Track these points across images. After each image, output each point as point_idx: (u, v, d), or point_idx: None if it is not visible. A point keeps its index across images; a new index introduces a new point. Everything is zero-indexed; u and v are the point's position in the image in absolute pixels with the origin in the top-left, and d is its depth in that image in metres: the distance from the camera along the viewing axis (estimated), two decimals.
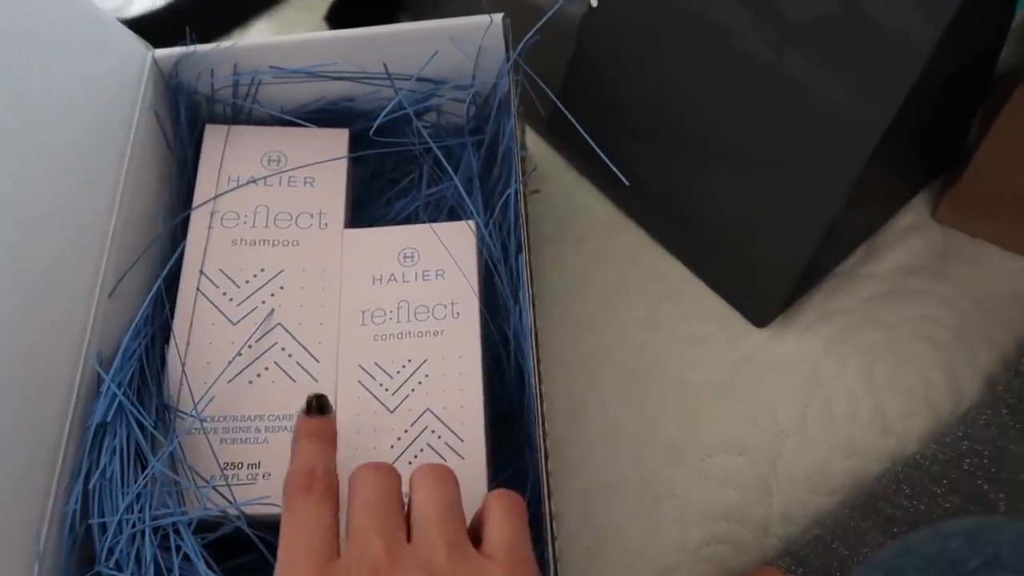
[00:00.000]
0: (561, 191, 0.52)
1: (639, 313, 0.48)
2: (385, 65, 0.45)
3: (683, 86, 0.41)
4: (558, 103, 0.40)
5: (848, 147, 0.35)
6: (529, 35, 0.41)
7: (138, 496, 0.32)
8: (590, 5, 0.43)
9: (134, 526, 0.32)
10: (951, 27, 0.30)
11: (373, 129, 0.40)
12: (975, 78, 0.44)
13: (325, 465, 0.30)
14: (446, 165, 0.43)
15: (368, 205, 0.49)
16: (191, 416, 0.36)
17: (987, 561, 0.25)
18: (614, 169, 0.38)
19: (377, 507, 0.28)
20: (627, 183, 0.38)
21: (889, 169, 0.42)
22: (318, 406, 0.32)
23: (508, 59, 0.43)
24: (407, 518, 0.29)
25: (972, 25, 0.36)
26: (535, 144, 0.54)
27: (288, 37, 0.45)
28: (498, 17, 0.42)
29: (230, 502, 0.34)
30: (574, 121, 0.39)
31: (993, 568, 0.25)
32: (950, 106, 0.45)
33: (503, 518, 0.29)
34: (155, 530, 0.32)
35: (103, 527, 0.32)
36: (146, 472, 0.33)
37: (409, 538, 0.28)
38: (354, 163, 0.48)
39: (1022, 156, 0.42)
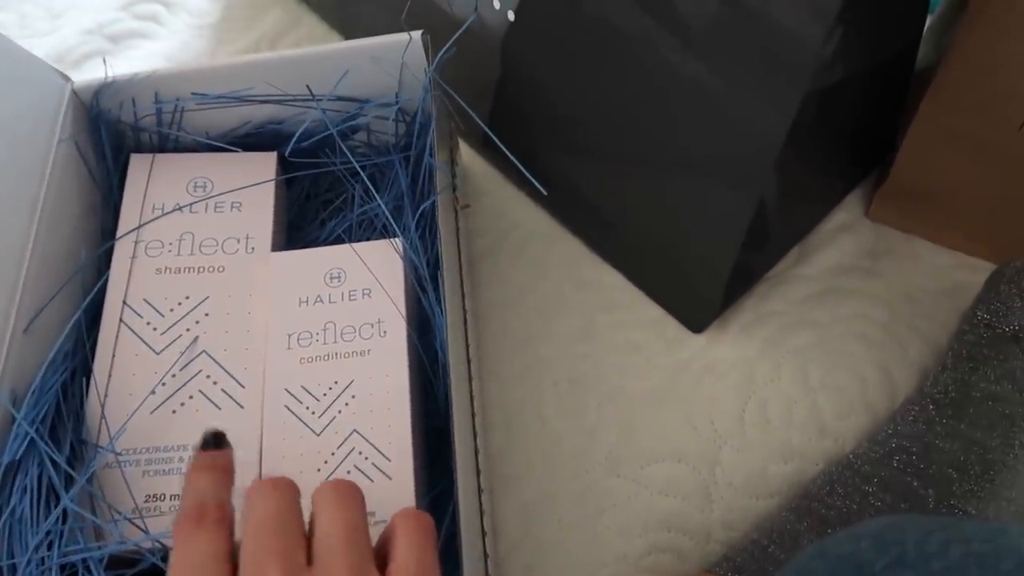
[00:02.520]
0: (497, 205, 0.52)
1: (576, 324, 0.47)
2: (308, 87, 0.45)
3: (601, 96, 0.41)
4: (473, 115, 0.40)
5: (755, 151, 0.35)
6: (443, 50, 0.41)
7: (47, 534, 0.31)
8: (507, 19, 0.43)
9: (43, 563, 0.31)
10: (846, 26, 0.30)
11: (289, 150, 0.40)
12: (895, 77, 0.44)
13: (218, 499, 0.28)
14: (369, 185, 0.43)
15: (302, 227, 0.48)
16: (105, 449, 0.35)
17: (892, 561, 0.25)
18: (533, 180, 0.38)
19: (272, 531, 0.27)
20: (545, 193, 0.38)
21: (812, 168, 0.42)
22: (214, 442, 0.31)
23: (427, 76, 0.43)
24: (310, 536, 0.28)
25: (877, 23, 0.36)
26: (472, 159, 0.54)
27: (208, 63, 0.45)
28: (417, 34, 0.42)
29: (147, 535, 0.34)
30: (489, 132, 0.39)
31: (897, 568, 0.24)
32: (875, 103, 0.45)
33: (409, 540, 0.28)
34: (65, 568, 0.32)
35: (13, 568, 0.31)
36: (57, 509, 0.32)
37: (310, 559, 0.27)
38: (288, 185, 0.48)
39: (940, 152, 0.42)
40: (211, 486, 0.29)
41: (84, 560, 0.31)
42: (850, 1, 0.29)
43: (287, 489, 0.28)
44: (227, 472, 0.30)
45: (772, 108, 0.33)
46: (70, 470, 0.34)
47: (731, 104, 0.34)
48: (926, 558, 0.24)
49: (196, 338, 0.40)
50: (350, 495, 0.29)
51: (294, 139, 0.41)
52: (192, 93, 0.44)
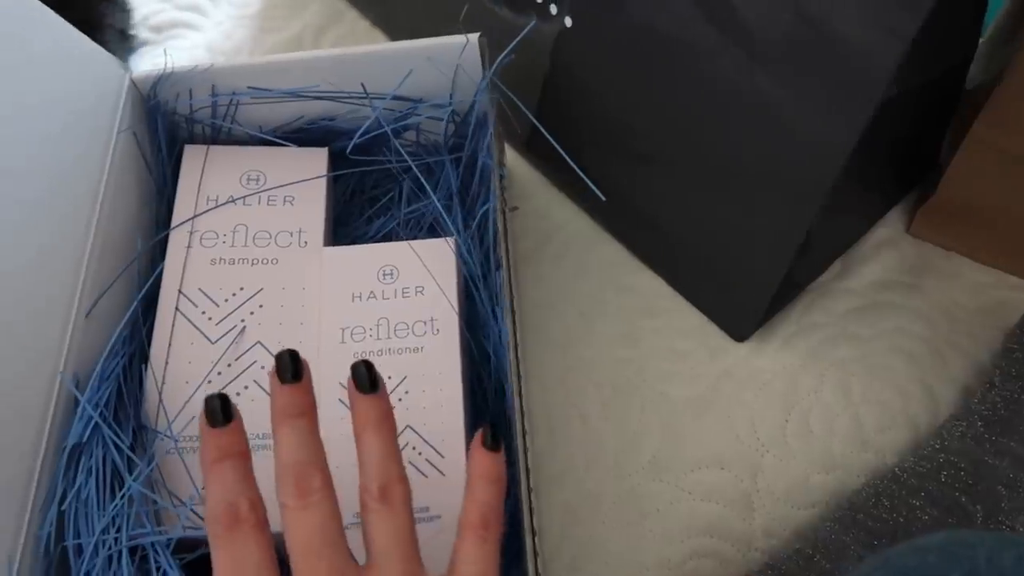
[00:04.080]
0: (540, 208, 0.52)
1: (619, 328, 0.48)
2: (363, 84, 0.45)
3: (656, 104, 0.42)
4: (536, 122, 0.41)
5: (817, 165, 0.36)
6: (504, 54, 0.41)
7: (114, 518, 0.32)
8: (564, 25, 0.44)
9: (111, 547, 0.31)
10: (915, 44, 0.31)
11: (350, 148, 0.41)
12: (946, 92, 0.45)
13: (249, 496, 0.28)
14: (424, 183, 0.43)
15: (348, 223, 0.49)
16: (165, 435, 0.35)
17: (964, 575, 0.25)
18: (591, 186, 0.39)
19: (318, 550, 0.28)
20: (604, 199, 0.39)
21: (862, 184, 0.43)
22: (223, 413, 0.29)
23: (485, 78, 0.43)
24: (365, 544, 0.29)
25: (938, 41, 0.36)
26: (514, 161, 0.54)
27: (266, 58, 0.45)
28: (474, 37, 0.43)
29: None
30: (551, 138, 0.40)
31: None
32: (921, 120, 0.45)
33: (475, 548, 0.29)
34: (132, 552, 0.32)
35: (79, 549, 0.32)
36: (122, 492, 0.33)
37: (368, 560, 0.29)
38: (334, 181, 0.48)
39: (991, 172, 0.43)
40: (236, 480, 0.28)
41: (153, 544, 0.31)
42: (927, 23, 0.30)
43: (320, 501, 0.28)
44: (245, 456, 0.29)
45: (839, 125, 0.34)
46: (132, 455, 0.34)
47: (796, 118, 0.35)
48: (1000, 573, 0.24)
49: (250, 329, 0.40)
50: (401, 504, 0.29)
51: (357, 136, 0.41)
52: (248, 87, 0.45)
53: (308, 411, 0.30)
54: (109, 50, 0.43)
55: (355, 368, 0.31)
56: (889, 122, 0.37)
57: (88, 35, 0.41)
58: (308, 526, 0.28)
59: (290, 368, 0.30)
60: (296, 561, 0.28)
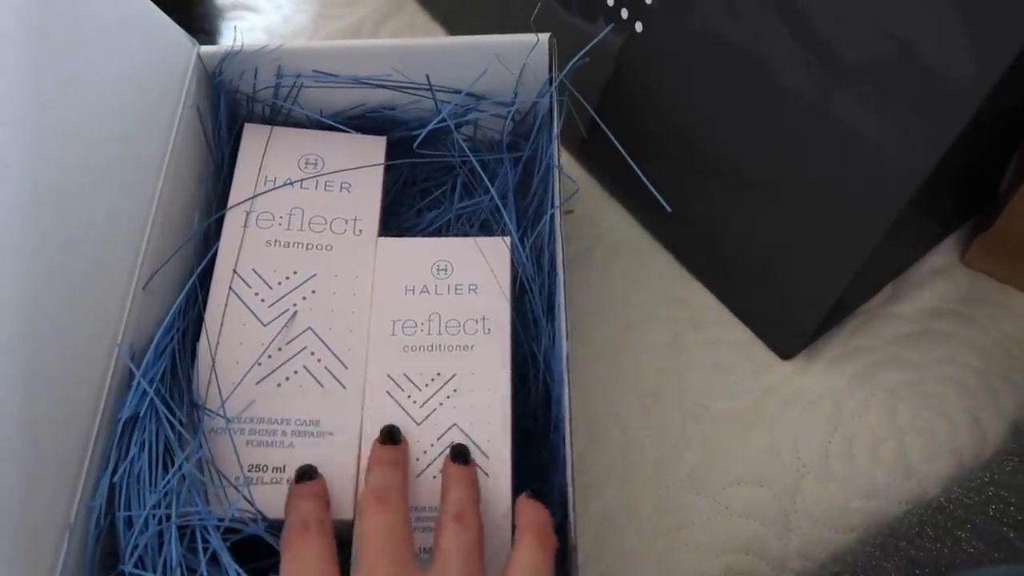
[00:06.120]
0: (589, 213, 0.52)
1: (663, 339, 0.48)
2: (428, 77, 0.45)
3: (724, 117, 0.41)
4: (605, 128, 0.40)
5: (889, 188, 0.35)
6: (577, 57, 0.41)
7: (165, 494, 0.32)
8: (634, 30, 0.44)
9: (160, 523, 0.31)
10: (1003, 78, 0.31)
11: (418, 142, 0.41)
12: (1012, 122, 0.44)
13: (319, 516, 0.32)
14: (485, 179, 0.43)
15: (399, 213, 0.49)
16: (219, 416, 0.35)
17: None
18: (658, 196, 0.38)
19: (384, 548, 0.30)
20: (670, 210, 0.38)
21: (925, 211, 0.42)
22: (308, 475, 0.35)
23: (551, 79, 0.43)
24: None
25: (1021, 74, 0.36)
26: (566, 164, 0.54)
27: (333, 43, 0.45)
28: (544, 36, 0.43)
29: (252, 504, 0.34)
30: (620, 147, 0.39)
31: None
32: (988, 150, 0.45)
33: (530, 554, 0.29)
34: (181, 529, 0.32)
35: (128, 522, 0.32)
36: (174, 469, 0.33)
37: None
38: (386, 171, 0.48)
39: None
40: (312, 508, 0.32)
41: (204, 524, 0.31)
42: (1019, 58, 0.29)
43: (396, 506, 0.31)
44: (324, 498, 0.34)
45: (919, 149, 0.33)
46: (184, 432, 0.35)
47: (874, 139, 0.34)
48: None
49: (302, 314, 0.40)
50: (468, 522, 0.31)
51: (427, 128, 0.41)
52: (314, 70, 0.45)
53: (400, 462, 0.35)
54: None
55: (455, 448, 0.36)
56: (961, 151, 0.37)
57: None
58: (379, 523, 0.30)
59: (390, 437, 0.36)
60: (363, 554, 0.29)
